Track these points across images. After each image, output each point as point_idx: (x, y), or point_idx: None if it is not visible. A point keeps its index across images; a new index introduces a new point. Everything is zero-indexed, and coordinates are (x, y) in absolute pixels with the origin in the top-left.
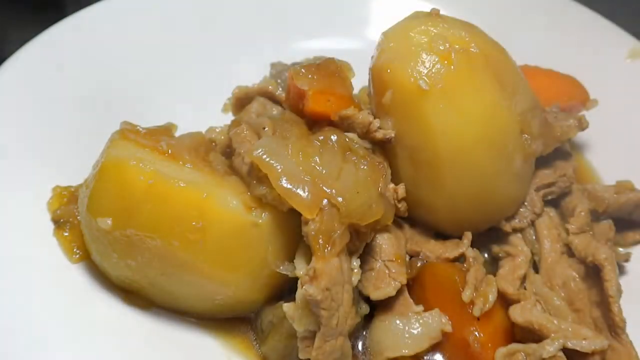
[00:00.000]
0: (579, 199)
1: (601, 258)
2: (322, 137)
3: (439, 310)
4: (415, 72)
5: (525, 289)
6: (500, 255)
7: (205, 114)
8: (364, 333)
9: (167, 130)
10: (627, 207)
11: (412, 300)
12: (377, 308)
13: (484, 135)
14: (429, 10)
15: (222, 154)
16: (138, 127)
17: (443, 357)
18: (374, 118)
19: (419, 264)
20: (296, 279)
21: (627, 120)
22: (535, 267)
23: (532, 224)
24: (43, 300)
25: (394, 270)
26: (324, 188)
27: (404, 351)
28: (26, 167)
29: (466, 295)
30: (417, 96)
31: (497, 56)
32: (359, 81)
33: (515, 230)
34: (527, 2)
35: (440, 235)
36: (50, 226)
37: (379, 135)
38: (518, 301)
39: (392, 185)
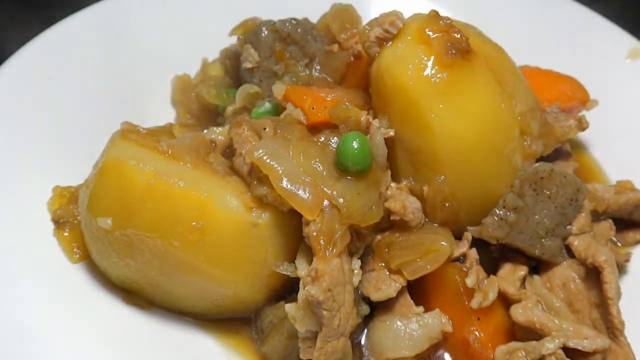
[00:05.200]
0: None
1: (601, 260)
2: (322, 138)
3: (440, 310)
4: (414, 74)
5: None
6: (500, 255)
7: None
8: (364, 333)
9: (167, 130)
10: (627, 207)
11: (412, 301)
12: (377, 308)
13: (483, 137)
14: (428, 11)
15: (222, 154)
16: (138, 127)
17: (443, 356)
18: (374, 118)
19: None
20: (296, 279)
21: (627, 120)
22: (536, 268)
23: None
24: (43, 300)
25: None
26: (325, 189)
27: (404, 352)
28: (26, 167)
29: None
30: (416, 97)
31: (497, 57)
32: None
33: None
34: (527, 2)
35: None
36: (50, 226)
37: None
38: (519, 301)
39: (394, 184)
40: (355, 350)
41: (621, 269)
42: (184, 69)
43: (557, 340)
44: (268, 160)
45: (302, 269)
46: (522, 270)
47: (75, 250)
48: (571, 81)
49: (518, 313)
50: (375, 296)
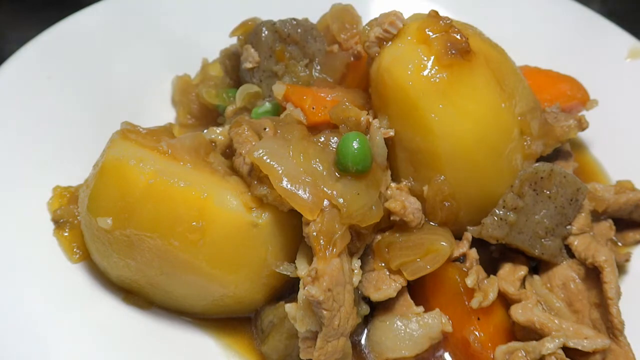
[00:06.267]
0: None
1: (601, 260)
2: (322, 139)
3: (440, 310)
4: (414, 74)
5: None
6: (500, 255)
7: None
8: (364, 333)
9: (167, 130)
10: (627, 207)
11: (412, 301)
12: (377, 308)
13: (483, 137)
14: (428, 11)
15: (222, 154)
16: (138, 127)
17: (443, 356)
18: (374, 118)
19: None
20: (296, 279)
21: (627, 120)
22: (536, 268)
23: None
24: (43, 300)
25: None
26: (325, 189)
27: (404, 352)
28: (26, 167)
29: (475, 302)
30: (416, 97)
31: (497, 57)
32: None
33: None
34: (527, 2)
35: None
36: (50, 226)
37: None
38: (519, 301)
39: (394, 184)
40: (355, 350)
41: (621, 269)
42: (184, 69)
43: (557, 340)
44: (268, 160)
45: (302, 269)
46: (522, 270)
47: (75, 250)
48: (571, 81)
49: (518, 313)
50: (375, 296)
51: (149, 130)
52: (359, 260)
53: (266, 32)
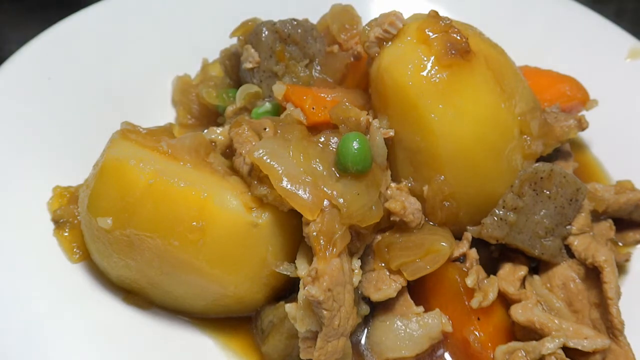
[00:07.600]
0: None
1: (600, 260)
2: (322, 139)
3: (440, 310)
4: (414, 74)
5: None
6: (500, 255)
7: None
8: (364, 333)
9: (167, 130)
10: (627, 207)
11: (412, 301)
12: (377, 308)
13: (483, 137)
14: (428, 11)
15: (222, 154)
16: (138, 127)
17: (443, 356)
18: (374, 118)
19: None
20: (296, 279)
21: (627, 120)
22: (536, 268)
23: None
24: (43, 300)
25: None
26: (325, 189)
27: (404, 352)
28: (26, 167)
29: (475, 302)
30: (416, 97)
31: (497, 57)
32: None
33: None
34: (526, 2)
35: None
36: (50, 226)
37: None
38: (519, 301)
39: (394, 185)
40: (355, 350)
41: (621, 269)
42: (184, 69)
43: (557, 340)
44: (268, 161)
45: (302, 269)
46: (522, 270)
47: (75, 250)
48: (571, 81)
49: (518, 313)
50: (376, 296)
51: (149, 130)
52: (359, 260)
53: (266, 33)
